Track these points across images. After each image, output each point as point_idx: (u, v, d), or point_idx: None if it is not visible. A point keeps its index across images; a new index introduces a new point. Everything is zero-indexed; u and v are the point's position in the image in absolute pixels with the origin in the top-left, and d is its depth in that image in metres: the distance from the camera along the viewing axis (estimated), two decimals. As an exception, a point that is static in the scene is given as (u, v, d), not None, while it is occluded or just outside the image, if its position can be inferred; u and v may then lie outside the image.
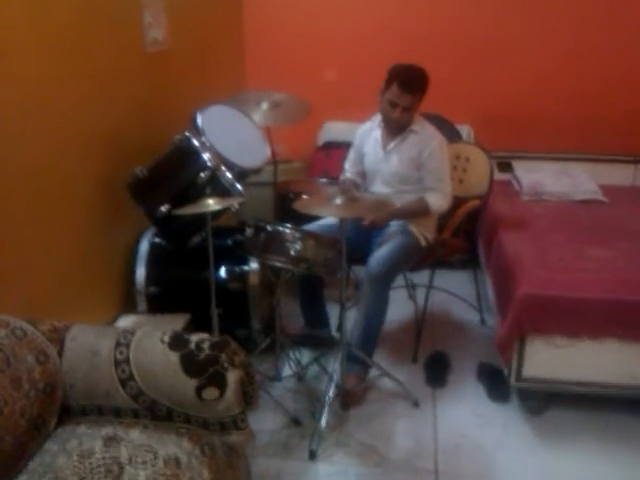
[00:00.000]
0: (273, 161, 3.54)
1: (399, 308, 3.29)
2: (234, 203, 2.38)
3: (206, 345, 1.78)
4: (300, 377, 2.76)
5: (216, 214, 2.44)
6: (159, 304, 2.75)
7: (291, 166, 4.19)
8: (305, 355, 2.93)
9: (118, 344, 1.82)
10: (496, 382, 2.69)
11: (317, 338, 3.01)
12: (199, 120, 2.72)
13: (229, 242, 2.81)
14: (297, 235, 2.36)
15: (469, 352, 3.03)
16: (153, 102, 2.92)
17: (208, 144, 2.65)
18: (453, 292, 3.51)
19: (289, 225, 2.43)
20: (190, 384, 1.74)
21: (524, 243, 2.96)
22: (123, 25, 2.65)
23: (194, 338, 1.81)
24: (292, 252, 2.35)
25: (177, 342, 1.80)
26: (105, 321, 2.62)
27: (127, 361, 1.79)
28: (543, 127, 4.17)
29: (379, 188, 2.90)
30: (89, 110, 2.42)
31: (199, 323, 2.62)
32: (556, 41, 4.06)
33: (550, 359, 2.46)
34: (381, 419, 2.55)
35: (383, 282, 2.61)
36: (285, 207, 3.39)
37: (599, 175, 3.86)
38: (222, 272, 2.76)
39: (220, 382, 1.73)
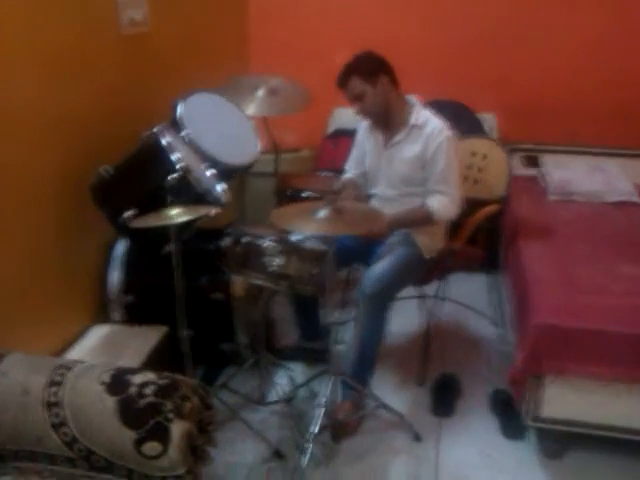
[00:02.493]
0: (275, 151, 3.27)
1: (407, 320, 2.98)
2: (207, 212, 2.07)
3: (150, 390, 1.50)
4: (289, 399, 2.47)
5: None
6: (136, 313, 2.49)
7: (298, 155, 3.89)
8: (299, 371, 2.64)
9: (51, 383, 1.55)
10: (511, 414, 2.35)
11: (313, 352, 2.71)
12: (179, 110, 2.44)
13: (212, 246, 2.52)
14: (277, 248, 2.06)
15: (483, 375, 2.70)
16: (129, 92, 2.60)
17: (188, 138, 2.37)
18: (468, 301, 3.18)
19: (271, 235, 2.13)
20: (128, 436, 1.46)
21: (546, 255, 2.61)
22: (90, 3, 2.33)
23: (138, 379, 1.53)
24: (272, 268, 2.06)
25: (116, 384, 1.52)
26: (76, 332, 2.37)
27: (59, 403, 1.52)
28: (575, 117, 3.75)
29: (382, 190, 2.57)
30: (47, 99, 2.13)
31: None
32: (591, 20, 3.61)
33: (572, 399, 2.11)
34: (376, 455, 2.24)
35: (380, 302, 2.29)
36: (284, 205, 3.09)
37: (636, 172, 3.45)
38: (204, 281, 2.47)
39: (162, 436, 1.45)
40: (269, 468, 2.17)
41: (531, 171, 3.67)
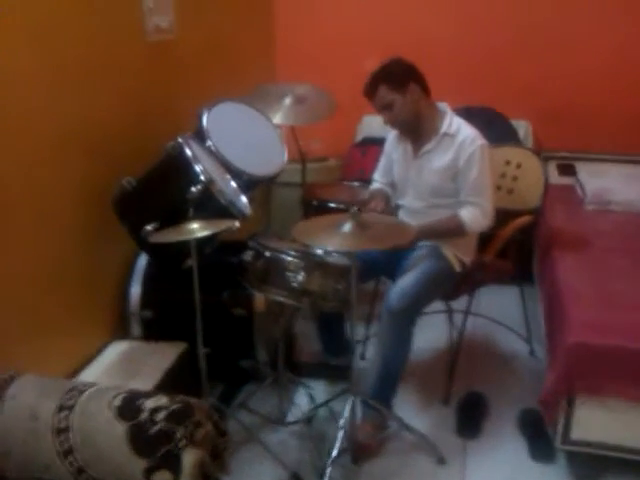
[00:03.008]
0: (302, 160, 3.22)
1: (433, 335, 2.88)
2: (229, 226, 2.01)
3: (161, 415, 1.45)
4: (309, 419, 2.40)
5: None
6: (155, 328, 2.45)
7: (325, 165, 3.83)
8: (320, 389, 2.58)
9: (61, 407, 1.51)
10: (540, 436, 2.25)
11: (335, 368, 2.64)
12: (204, 120, 2.40)
13: (235, 260, 2.47)
14: (300, 263, 2.00)
15: (512, 393, 2.59)
16: (154, 101, 2.57)
17: (212, 149, 2.33)
18: (498, 315, 3.07)
19: (293, 249, 2.06)
20: (138, 465, 1.42)
21: (582, 268, 2.50)
22: (116, 10, 2.31)
23: (149, 404, 1.48)
24: (294, 284, 1.99)
25: (127, 409, 1.48)
26: (95, 348, 2.34)
27: (68, 429, 1.48)
28: (613, 123, 3.63)
29: (409, 201, 2.49)
30: (70, 107, 2.10)
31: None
32: (629, 23, 3.48)
33: (605, 421, 2.01)
34: (398, 479, 2.16)
35: (405, 318, 2.21)
36: (309, 215, 3.04)
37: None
38: (225, 295, 2.42)
39: (173, 465, 1.41)
40: (286, 492, 2.11)
41: (566, 180, 3.54)
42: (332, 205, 2.93)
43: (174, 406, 1.48)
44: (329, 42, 3.87)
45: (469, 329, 2.69)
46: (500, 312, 3.11)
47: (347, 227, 1.86)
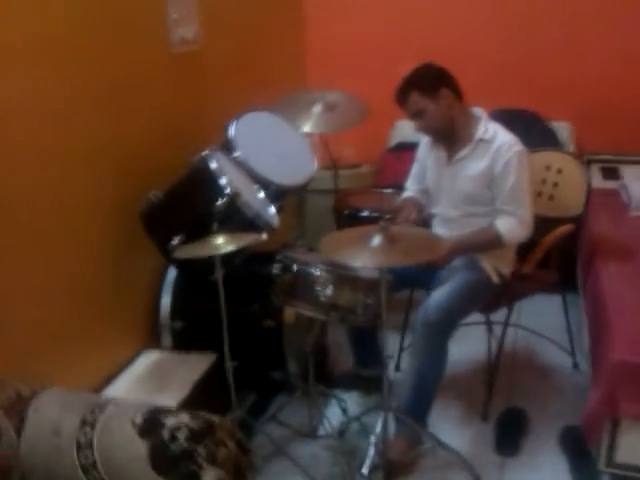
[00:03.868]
0: (333, 167, 3.18)
1: (471, 347, 2.78)
2: (254, 240, 1.97)
3: (182, 434, 1.41)
4: (341, 433, 2.34)
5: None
6: (185, 339, 2.44)
7: (358, 171, 3.77)
8: (352, 401, 2.52)
9: (83, 423, 1.49)
10: (583, 456, 2.14)
11: (369, 380, 2.57)
12: (231, 131, 2.38)
13: (264, 272, 2.43)
14: (329, 277, 1.94)
15: (554, 409, 2.48)
16: (182, 113, 2.56)
17: (239, 160, 2.30)
18: (540, 326, 2.95)
19: (322, 262, 2.01)
20: (158, 484, 1.38)
21: (627, 279, 2.37)
22: (141, 22, 2.31)
23: (171, 422, 1.44)
24: (322, 298, 1.94)
25: (149, 427, 1.44)
26: (127, 357, 2.34)
27: (90, 445, 1.46)
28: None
29: (443, 210, 2.41)
30: (99, 123, 2.11)
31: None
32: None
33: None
34: (432, 498, 2.09)
35: (440, 332, 2.13)
36: (341, 224, 2.99)
37: None
38: (255, 307, 2.39)
39: (193, 485, 1.37)
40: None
41: (610, 184, 3.39)
42: (364, 213, 2.88)
43: (195, 425, 1.44)
44: (361, 47, 3.80)
45: (509, 340, 2.60)
46: (542, 322, 2.99)
47: (376, 241, 1.77)
